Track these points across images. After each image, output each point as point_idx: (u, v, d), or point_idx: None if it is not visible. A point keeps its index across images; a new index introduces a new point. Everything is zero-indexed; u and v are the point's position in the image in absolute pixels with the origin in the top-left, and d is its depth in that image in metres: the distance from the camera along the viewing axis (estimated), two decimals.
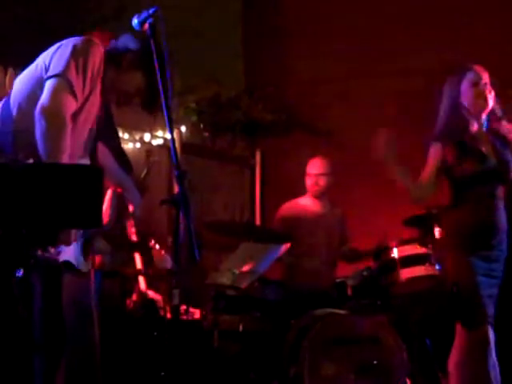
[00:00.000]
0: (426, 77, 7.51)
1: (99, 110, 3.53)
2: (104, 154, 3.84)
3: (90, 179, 2.62)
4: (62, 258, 3.21)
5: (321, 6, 8.23)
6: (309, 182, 6.34)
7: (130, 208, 3.95)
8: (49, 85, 3.14)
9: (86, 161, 3.37)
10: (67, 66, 3.17)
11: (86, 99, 3.31)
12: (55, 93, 3.10)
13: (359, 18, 8.00)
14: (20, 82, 3.31)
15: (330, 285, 5.67)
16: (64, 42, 3.32)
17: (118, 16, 5.80)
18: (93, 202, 2.61)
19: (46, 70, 3.21)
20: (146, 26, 3.24)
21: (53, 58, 3.23)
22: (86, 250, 3.35)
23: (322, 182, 6.30)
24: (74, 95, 3.16)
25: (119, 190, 3.96)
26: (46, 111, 3.06)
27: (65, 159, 3.05)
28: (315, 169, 6.32)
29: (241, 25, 8.67)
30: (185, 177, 3.03)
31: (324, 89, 8.01)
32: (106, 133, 4.01)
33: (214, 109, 7.56)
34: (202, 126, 7.33)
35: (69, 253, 3.21)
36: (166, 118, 3.10)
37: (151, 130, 6.74)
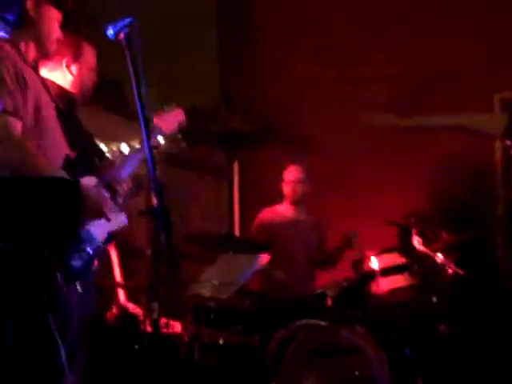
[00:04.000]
0: (406, 82, 7.54)
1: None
2: None
3: (65, 192, 2.58)
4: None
5: (296, 15, 8.23)
6: (286, 188, 6.35)
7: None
8: None
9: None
10: None
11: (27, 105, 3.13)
12: None
13: (335, 25, 8.02)
14: None
15: (309, 295, 5.65)
16: None
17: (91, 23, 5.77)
18: (69, 215, 2.58)
19: None
20: (122, 35, 3.20)
21: None
22: None
23: (299, 188, 6.33)
24: (13, 114, 3.00)
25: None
26: None
27: (41, 163, 2.97)
28: (292, 175, 6.34)
29: (216, 35, 8.66)
30: (163, 189, 2.99)
31: (301, 97, 8.01)
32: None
33: (192, 119, 7.51)
34: (179, 136, 7.28)
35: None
36: (142, 129, 3.06)
37: (128, 141, 6.68)
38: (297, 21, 8.22)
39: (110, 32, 3.22)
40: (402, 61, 7.58)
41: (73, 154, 3.30)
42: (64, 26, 3.47)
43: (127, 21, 3.20)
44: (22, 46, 3.28)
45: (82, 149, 3.40)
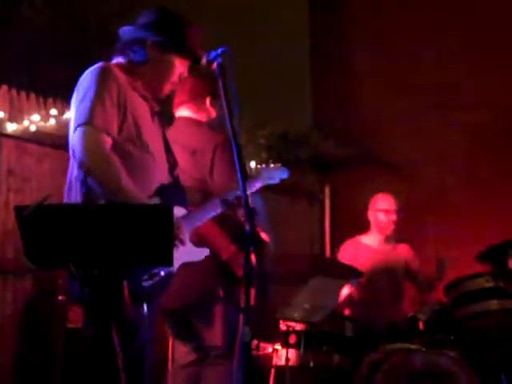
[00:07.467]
0: (494, 111, 7.49)
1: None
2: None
3: (159, 218, 2.65)
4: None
5: (385, 43, 8.27)
6: (376, 217, 6.27)
7: None
8: (76, 136, 3.11)
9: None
10: (88, 109, 3.13)
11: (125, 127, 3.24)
12: (82, 142, 3.07)
13: (423, 52, 8.03)
14: None
15: (399, 319, 5.62)
16: (80, 80, 3.26)
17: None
18: (163, 241, 2.65)
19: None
20: (214, 65, 3.28)
21: (74, 102, 3.21)
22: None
23: (391, 218, 6.23)
24: (105, 131, 3.12)
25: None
26: (82, 164, 3.07)
27: (125, 185, 3.06)
28: (384, 205, 6.25)
29: (309, 61, 8.74)
30: (254, 214, 3.04)
31: (392, 122, 8.03)
32: None
33: (284, 145, 7.59)
34: (271, 161, 7.37)
35: None
36: (235, 156, 3.10)
37: None
38: (388, 49, 8.26)
39: (204, 61, 3.31)
40: (495, 88, 7.54)
41: (170, 181, 3.41)
42: (191, 72, 3.59)
43: (220, 50, 3.25)
44: (136, 79, 3.39)
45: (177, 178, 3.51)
